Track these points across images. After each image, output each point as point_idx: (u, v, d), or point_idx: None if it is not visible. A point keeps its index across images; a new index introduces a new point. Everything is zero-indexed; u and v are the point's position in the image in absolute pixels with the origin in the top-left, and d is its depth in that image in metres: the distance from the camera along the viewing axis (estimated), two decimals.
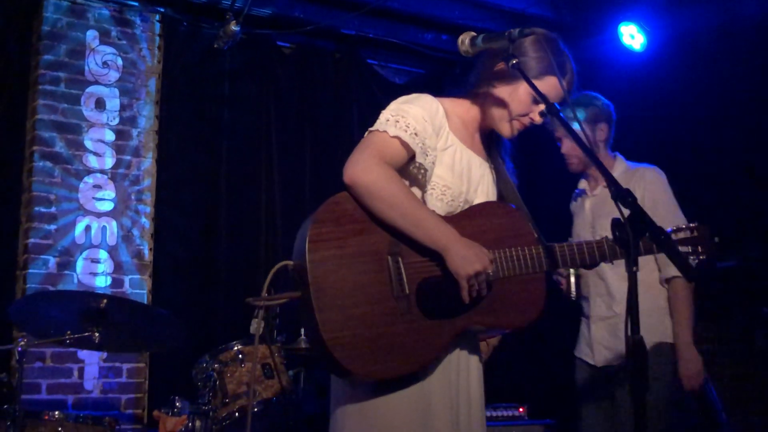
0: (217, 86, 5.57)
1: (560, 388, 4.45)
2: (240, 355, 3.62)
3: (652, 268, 3.57)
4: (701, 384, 3.59)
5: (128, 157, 5.17)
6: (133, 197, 5.15)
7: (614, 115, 3.75)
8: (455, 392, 2.33)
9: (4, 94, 4.96)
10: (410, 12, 5.76)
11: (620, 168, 3.66)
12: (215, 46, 5.31)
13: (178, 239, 5.31)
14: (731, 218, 5.35)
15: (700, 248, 2.47)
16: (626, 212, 1.94)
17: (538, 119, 2.47)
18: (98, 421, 3.62)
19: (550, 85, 2.40)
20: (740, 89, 5.18)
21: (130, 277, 5.09)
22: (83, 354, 4.88)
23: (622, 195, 1.95)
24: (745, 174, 5.11)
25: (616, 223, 1.94)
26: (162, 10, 5.36)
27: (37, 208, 4.88)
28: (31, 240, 4.84)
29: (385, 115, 2.45)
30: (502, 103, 2.46)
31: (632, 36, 5.56)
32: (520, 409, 4.89)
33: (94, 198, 5.04)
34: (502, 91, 2.45)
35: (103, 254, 5.02)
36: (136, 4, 5.27)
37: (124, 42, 5.23)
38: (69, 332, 3.52)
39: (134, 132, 5.21)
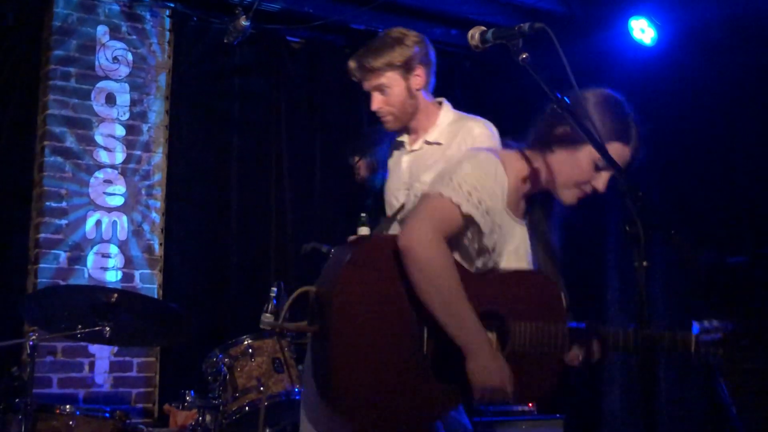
0: (227, 81, 5.58)
1: (570, 383, 4.45)
2: (250, 350, 3.63)
3: None
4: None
5: (138, 152, 5.18)
6: (143, 192, 5.17)
7: (432, 55, 3.14)
8: None
9: (16, 89, 4.98)
10: (419, 6, 5.75)
11: (447, 118, 3.08)
12: (225, 41, 5.31)
13: (188, 234, 5.32)
14: (742, 212, 5.33)
15: (721, 350, 2.41)
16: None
17: (601, 187, 2.34)
18: (109, 415, 3.63)
19: (613, 151, 2.25)
20: (751, 83, 5.15)
21: (140, 271, 5.10)
22: (94, 348, 4.90)
23: (632, 190, 1.95)
24: (757, 168, 5.09)
25: (627, 219, 1.94)
26: (172, 5, 5.37)
27: (48, 203, 4.90)
28: (42, 235, 4.86)
29: (458, 180, 2.30)
30: (562, 170, 2.35)
31: (643, 30, 5.53)
32: (530, 404, 4.88)
33: (104, 193, 5.05)
34: (561, 156, 2.34)
35: (113, 249, 5.03)
36: None
37: (135, 37, 5.24)
38: (80, 326, 3.53)
39: (144, 127, 5.22)
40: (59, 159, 4.95)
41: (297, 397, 3.62)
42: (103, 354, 4.93)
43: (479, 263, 2.38)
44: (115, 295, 3.55)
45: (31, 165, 5.03)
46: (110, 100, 5.13)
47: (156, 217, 5.20)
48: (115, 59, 5.16)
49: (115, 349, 4.95)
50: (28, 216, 4.99)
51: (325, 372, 2.14)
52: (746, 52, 5.15)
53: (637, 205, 1.95)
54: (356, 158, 4.46)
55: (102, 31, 5.14)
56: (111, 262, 5.02)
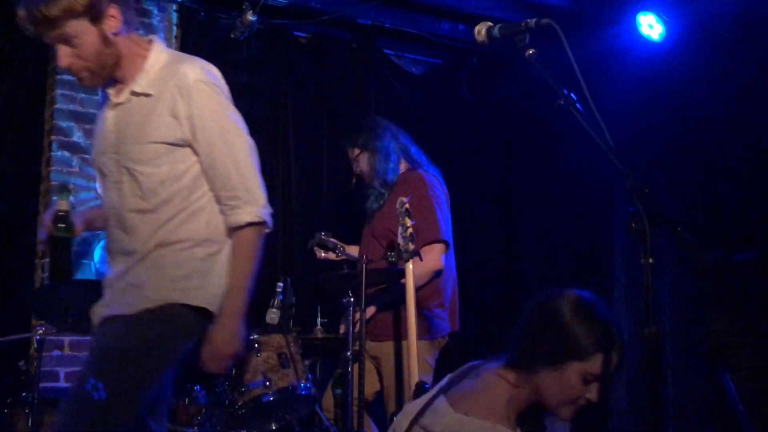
0: (234, 76, 5.56)
1: None
2: (256, 345, 3.63)
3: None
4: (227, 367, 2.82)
5: None
6: None
7: None
8: None
9: (23, 84, 4.99)
10: (427, 1, 5.74)
11: (158, 62, 2.64)
12: (232, 36, 5.31)
13: None
14: (750, 209, 5.31)
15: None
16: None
17: (596, 398, 2.21)
18: None
19: (600, 363, 2.18)
20: (760, 78, 5.13)
21: None
22: None
23: (638, 187, 1.94)
24: (765, 165, 5.07)
25: (633, 216, 1.94)
26: (179, 0, 5.37)
27: (55, 198, 4.91)
28: None
29: None
30: (551, 391, 2.21)
31: (651, 26, 5.51)
32: None
33: None
34: (548, 377, 2.20)
35: None
36: None
37: (142, 32, 5.22)
38: (87, 321, 3.54)
39: None
40: (66, 154, 4.96)
41: (303, 392, 3.63)
42: None
43: None
44: None
45: (38, 159, 5.03)
46: None
47: None
48: None
49: None
50: (36, 210, 5.00)
51: None
52: (755, 48, 5.14)
53: (644, 201, 1.95)
54: (356, 150, 4.41)
55: None
56: None
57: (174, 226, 2.60)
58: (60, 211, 2.80)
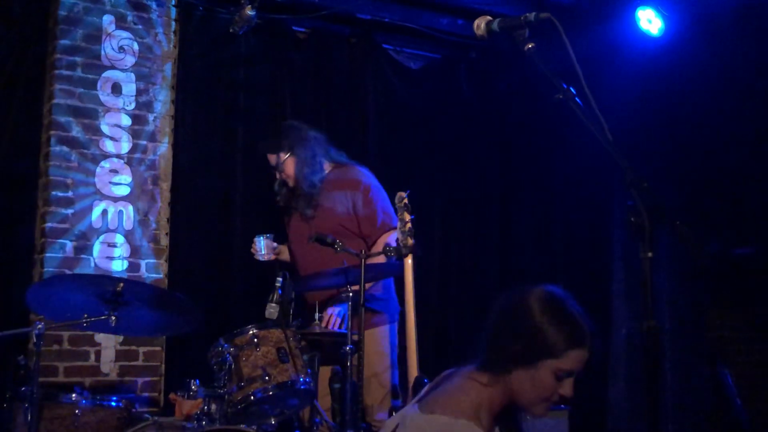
0: (233, 71, 5.57)
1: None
2: (255, 339, 3.63)
3: None
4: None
5: (144, 142, 5.18)
6: (149, 182, 5.17)
7: None
8: None
9: (21, 78, 4.98)
10: None
11: None
12: (231, 30, 5.30)
13: (194, 223, 5.33)
14: (749, 204, 5.32)
15: None
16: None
17: (569, 393, 2.20)
18: (114, 404, 3.64)
19: (573, 358, 2.17)
20: (760, 73, 5.13)
21: (146, 261, 5.11)
22: (100, 337, 4.91)
23: (637, 181, 1.94)
24: (764, 159, 5.08)
25: (632, 210, 1.94)
26: None
27: (54, 193, 4.91)
28: (48, 224, 4.87)
29: None
30: (524, 391, 2.20)
31: (650, 20, 5.52)
32: None
33: (110, 182, 5.06)
34: (521, 377, 2.18)
35: (119, 238, 5.04)
36: None
37: (140, 27, 5.24)
38: (86, 315, 3.54)
39: (150, 117, 5.22)
40: (65, 149, 4.96)
41: (302, 387, 3.63)
42: (109, 343, 4.94)
43: None
44: (121, 284, 3.55)
45: (36, 155, 5.03)
46: (116, 89, 5.13)
47: (162, 206, 5.21)
48: (121, 49, 5.16)
49: (121, 338, 4.96)
50: (34, 205, 5.00)
51: None
52: (754, 42, 5.14)
53: (643, 196, 1.95)
54: (282, 155, 4.46)
55: (108, 20, 5.14)
56: (117, 252, 5.03)
57: None
58: None
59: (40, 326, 3.40)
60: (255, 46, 5.60)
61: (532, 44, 2.29)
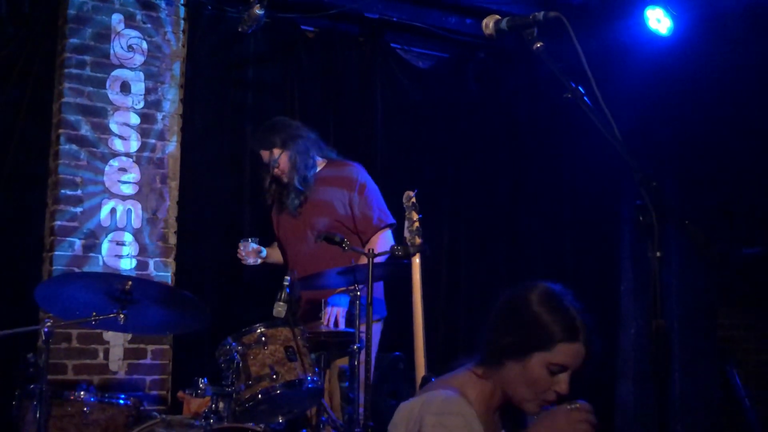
0: (241, 70, 5.58)
1: (583, 376, 4.44)
2: (263, 338, 3.63)
3: None
4: None
5: (153, 141, 5.20)
6: (157, 180, 5.18)
7: None
8: None
9: (31, 77, 5.00)
10: None
11: None
12: (239, 30, 5.31)
13: (202, 222, 5.34)
14: (758, 204, 5.30)
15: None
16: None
17: (564, 390, 2.15)
18: (123, 402, 3.65)
19: (565, 352, 2.13)
20: None
21: (154, 259, 5.12)
22: (108, 335, 4.93)
23: (646, 180, 1.94)
24: None
25: (641, 209, 1.93)
26: None
27: (63, 191, 4.92)
28: (57, 222, 4.89)
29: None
30: (516, 384, 2.17)
31: (658, 20, 5.50)
32: None
33: (119, 181, 5.07)
34: (513, 370, 2.16)
35: (128, 237, 5.06)
36: None
37: (149, 26, 5.25)
38: (94, 314, 3.55)
39: (159, 116, 5.23)
40: (74, 147, 4.97)
41: (310, 386, 3.63)
42: (117, 341, 4.96)
43: None
44: (130, 282, 3.56)
45: (46, 153, 5.04)
46: (125, 88, 5.14)
47: (170, 205, 5.22)
48: (130, 48, 5.17)
49: (129, 336, 4.98)
50: (44, 204, 5.02)
51: None
52: (763, 43, 5.12)
53: (652, 195, 1.95)
54: (277, 151, 4.47)
55: (117, 19, 5.15)
56: (125, 250, 5.04)
57: None
58: None
59: (49, 324, 3.41)
60: (263, 45, 5.61)
61: (541, 43, 2.28)
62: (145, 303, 3.64)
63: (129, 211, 5.08)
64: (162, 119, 5.24)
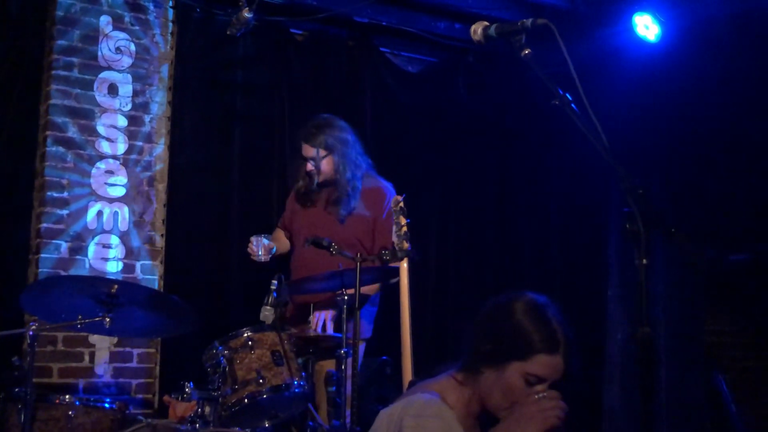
0: (230, 73, 5.57)
1: (569, 380, 4.45)
2: (250, 342, 3.63)
3: None
4: None
5: (140, 143, 5.18)
6: (145, 183, 5.17)
7: None
8: None
9: (18, 79, 4.98)
10: (424, 0, 5.74)
11: None
12: (228, 32, 5.29)
13: (189, 225, 5.32)
14: (745, 211, 5.32)
15: None
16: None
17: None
18: (108, 406, 3.64)
19: (543, 364, 2.11)
20: (756, 80, 5.14)
21: (141, 262, 5.10)
22: (94, 338, 4.91)
23: (632, 187, 1.94)
24: (760, 166, 5.09)
25: (628, 216, 1.94)
26: None
27: (49, 193, 4.90)
28: (44, 225, 4.86)
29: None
30: (492, 393, 2.16)
31: (647, 26, 5.51)
32: None
33: (106, 183, 5.05)
34: (490, 377, 2.15)
35: (114, 240, 5.04)
36: None
37: (138, 28, 5.23)
38: (80, 317, 3.54)
39: (147, 118, 5.21)
40: (61, 149, 4.95)
41: (296, 390, 3.63)
42: (103, 344, 4.93)
43: None
44: (116, 285, 3.55)
45: (33, 155, 5.03)
46: (113, 90, 5.12)
47: (157, 208, 5.20)
48: (118, 50, 5.15)
49: (116, 339, 4.96)
50: (30, 206, 4.99)
51: None
52: (751, 49, 5.15)
53: (639, 202, 1.95)
54: (323, 151, 4.39)
55: (105, 21, 5.13)
56: (112, 253, 5.02)
57: None
58: None
59: (34, 327, 3.39)
60: (252, 48, 5.60)
61: (529, 50, 2.28)
62: (131, 307, 3.63)
63: (116, 213, 5.06)
64: (150, 122, 5.22)
